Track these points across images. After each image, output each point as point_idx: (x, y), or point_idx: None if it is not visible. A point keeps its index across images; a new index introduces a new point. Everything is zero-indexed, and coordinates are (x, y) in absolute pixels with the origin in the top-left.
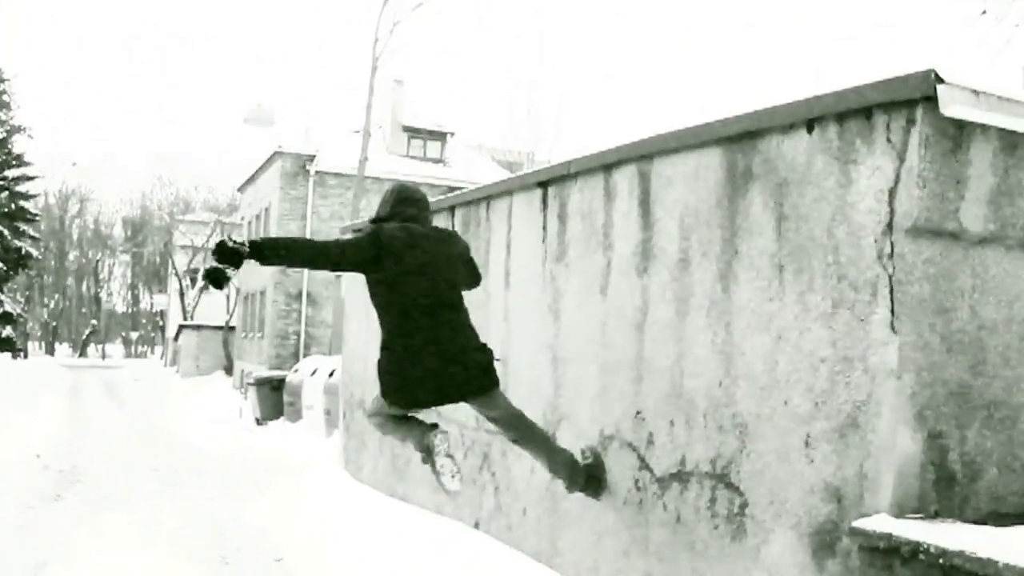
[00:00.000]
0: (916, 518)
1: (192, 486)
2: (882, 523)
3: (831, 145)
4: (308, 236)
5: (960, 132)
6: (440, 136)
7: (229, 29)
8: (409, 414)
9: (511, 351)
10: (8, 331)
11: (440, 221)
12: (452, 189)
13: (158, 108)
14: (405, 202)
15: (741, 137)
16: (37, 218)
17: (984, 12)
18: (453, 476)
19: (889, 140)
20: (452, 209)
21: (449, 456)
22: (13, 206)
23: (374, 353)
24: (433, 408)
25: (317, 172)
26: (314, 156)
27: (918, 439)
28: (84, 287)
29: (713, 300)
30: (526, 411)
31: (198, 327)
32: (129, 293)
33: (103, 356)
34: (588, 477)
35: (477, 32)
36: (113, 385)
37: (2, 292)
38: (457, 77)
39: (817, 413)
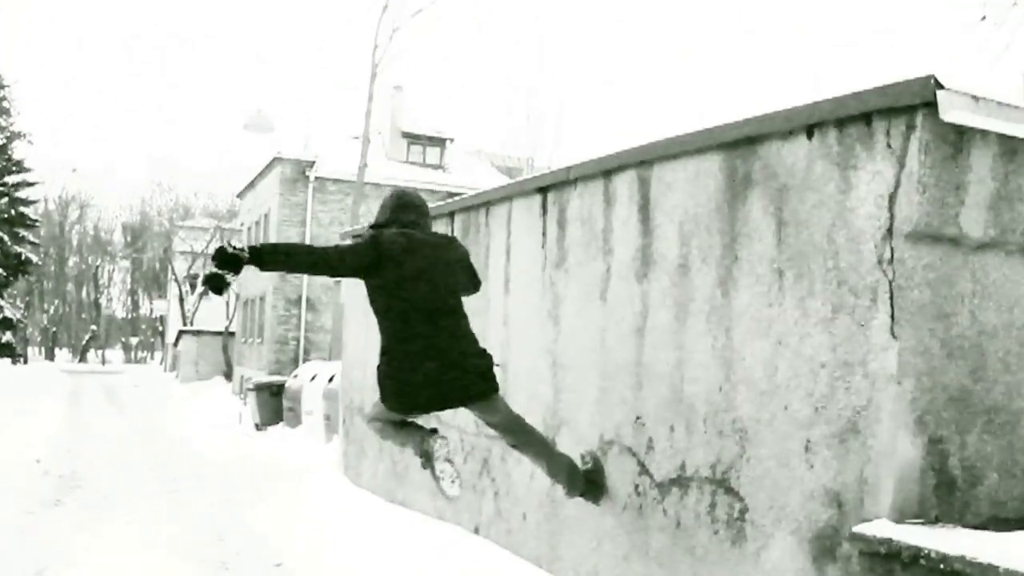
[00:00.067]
0: (916, 523)
1: (192, 491)
2: (882, 528)
3: (831, 151)
4: (308, 242)
5: (960, 138)
6: (439, 142)
7: (229, 29)
8: (408, 419)
9: (511, 356)
10: (8, 336)
11: (440, 227)
12: (451, 195)
13: (158, 108)
14: (404, 208)
15: (741, 143)
16: (37, 224)
17: (984, 18)
18: (453, 481)
19: (889, 145)
20: (452, 215)
21: (448, 461)
22: (13, 212)
23: (374, 359)
24: (433, 413)
25: (316, 178)
26: (313, 162)
27: (918, 444)
28: (84, 293)
29: (713, 305)
30: (526, 417)
31: (198, 332)
32: (129, 299)
33: (103, 361)
34: (588, 482)
35: (476, 38)
36: (113, 390)
37: (2, 298)
38: (456, 83)
39: (817, 418)
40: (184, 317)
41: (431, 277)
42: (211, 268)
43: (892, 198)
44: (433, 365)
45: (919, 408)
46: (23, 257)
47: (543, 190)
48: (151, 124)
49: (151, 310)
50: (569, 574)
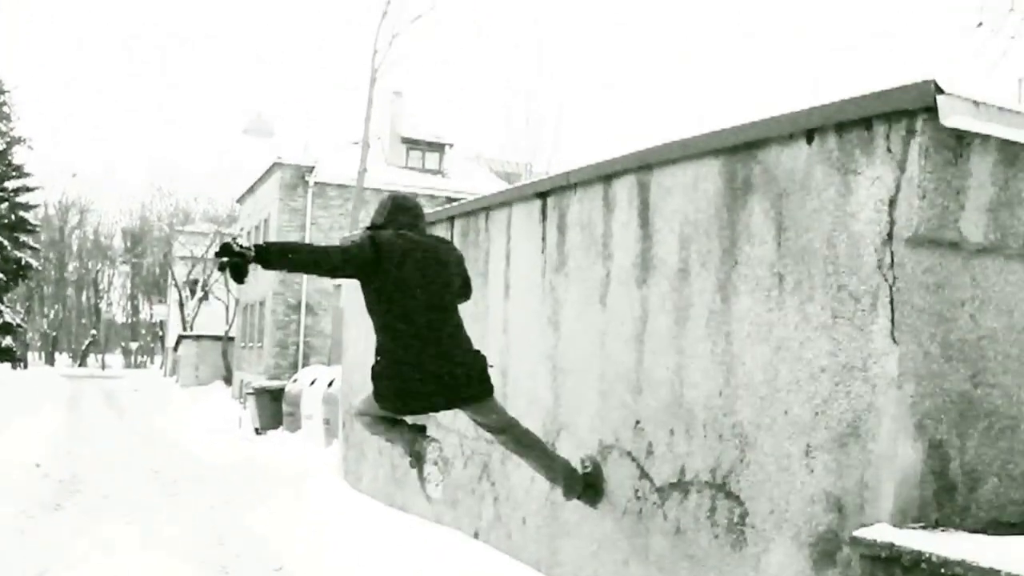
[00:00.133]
0: (917, 527)
1: (191, 494)
2: (883, 532)
3: (831, 155)
4: None
5: (960, 142)
6: (439, 147)
7: (229, 29)
8: (399, 417)
9: (510, 361)
10: (8, 341)
11: (439, 232)
12: (451, 200)
13: (158, 108)
14: (400, 210)
15: (740, 147)
16: (37, 229)
17: (980, 24)
18: (437, 485)
19: (889, 150)
20: (451, 220)
21: (436, 464)
22: (13, 217)
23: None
24: (433, 417)
25: (316, 183)
26: (313, 167)
27: (919, 448)
28: (84, 297)
29: (713, 310)
30: (526, 421)
31: (197, 337)
32: (129, 303)
33: (103, 366)
34: (586, 485)
35: (476, 41)
36: (113, 395)
37: (2, 302)
38: (456, 86)
39: (817, 422)
40: (184, 322)
41: (428, 278)
42: (216, 264)
43: (892, 203)
44: (429, 366)
45: (919, 412)
46: (23, 262)
47: (543, 195)
48: (151, 125)
49: (151, 315)
50: None
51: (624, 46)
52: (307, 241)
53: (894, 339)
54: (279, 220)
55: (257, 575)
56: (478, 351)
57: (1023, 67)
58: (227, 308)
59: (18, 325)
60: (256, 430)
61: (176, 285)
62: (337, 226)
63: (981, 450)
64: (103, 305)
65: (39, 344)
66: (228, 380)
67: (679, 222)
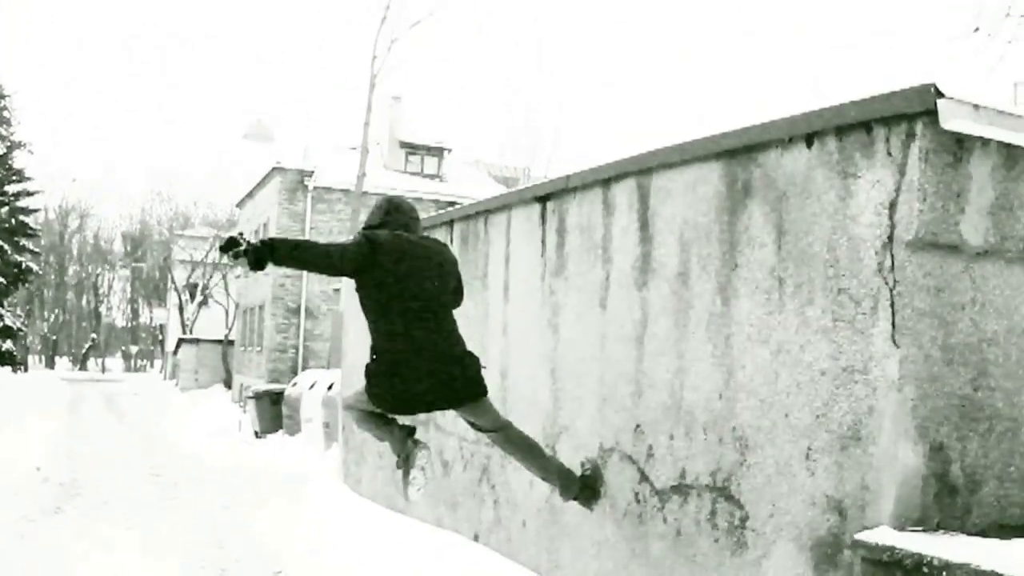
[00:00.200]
0: (918, 530)
1: (191, 498)
2: (884, 535)
3: (831, 159)
4: None
5: (960, 146)
6: (438, 152)
7: (229, 29)
8: (390, 416)
9: (510, 365)
10: (8, 345)
11: (439, 235)
12: (450, 204)
13: (158, 108)
14: (396, 211)
15: (740, 151)
16: (37, 233)
17: (977, 30)
18: (419, 489)
19: (889, 153)
20: (451, 224)
21: (423, 470)
22: (14, 221)
23: None
24: (432, 420)
25: (316, 188)
26: (313, 172)
27: (920, 451)
28: (84, 301)
29: (713, 313)
30: (526, 424)
31: (197, 341)
32: (129, 307)
33: (103, 370)
34: (583, 486)
35: (476, 41)
36: (113, 398)
37: (2, 306)
38: (455, 86)
39: (818, 426)
40: (184, 326)
41: (423, 278)
42: (228, 256)
43: (892, 206)
44: (424, 366)
45: (920, 415)
46: (24, 266)
47: (542, 199)
48: (151, 125)
49: (151, 319)
50: None
51: (624, 45)
52: None
53: (895, 342)
54: (279, 224)
55: None
56: (471, 352)
57: (1019, 72)
58: (227, 312)
59: (18, 329)
60: (256, 433)
61: (176, 289)
62: (336, 231)
63: (982, 453)
64: (103, 309)
65: (39, 348)
66: (228, 384)
67: (679, 225)
